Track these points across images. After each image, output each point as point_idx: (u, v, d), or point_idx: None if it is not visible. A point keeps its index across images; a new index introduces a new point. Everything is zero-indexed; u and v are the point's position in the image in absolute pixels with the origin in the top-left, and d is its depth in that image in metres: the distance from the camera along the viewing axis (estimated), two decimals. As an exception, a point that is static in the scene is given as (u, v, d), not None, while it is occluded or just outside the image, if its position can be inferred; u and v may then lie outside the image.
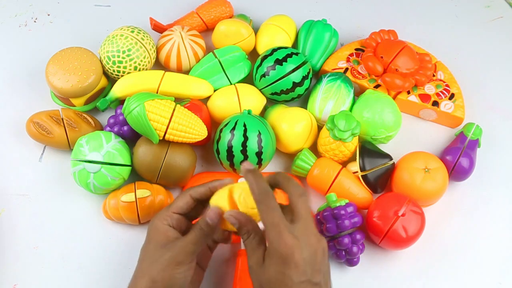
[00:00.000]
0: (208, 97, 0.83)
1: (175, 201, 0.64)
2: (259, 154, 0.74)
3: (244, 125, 0.74)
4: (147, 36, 0.84)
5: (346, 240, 0.71)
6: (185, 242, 0.60)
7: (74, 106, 0.83)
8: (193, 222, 0.66)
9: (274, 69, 0.80)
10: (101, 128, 0.82)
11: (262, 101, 0.82)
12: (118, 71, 0.82)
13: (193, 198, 0.64)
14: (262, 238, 0.58)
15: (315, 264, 0.55)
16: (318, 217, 0.74)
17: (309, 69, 0.82)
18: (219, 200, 0.61)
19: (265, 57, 0.82)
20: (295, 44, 0.90)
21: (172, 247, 0.60)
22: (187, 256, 0.59)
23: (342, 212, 0.71)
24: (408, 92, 0.85)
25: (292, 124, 0.78)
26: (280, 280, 0.54)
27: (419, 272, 0.75)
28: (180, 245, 0.60)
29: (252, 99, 0.81)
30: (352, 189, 0.77)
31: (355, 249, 0.71)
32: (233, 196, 0.60)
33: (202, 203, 0.65)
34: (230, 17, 0.93)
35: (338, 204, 0.72)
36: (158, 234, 0.62)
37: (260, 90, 0.83)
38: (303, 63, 0.81)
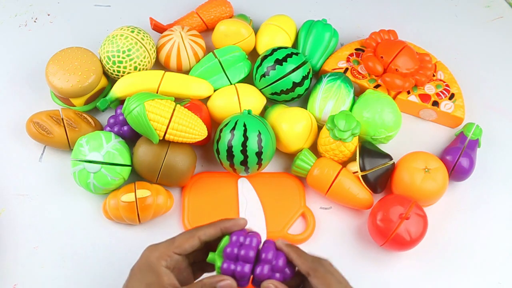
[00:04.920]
0: (208, 97, 0.83)
1: (180, 240, 0.57)
2: (259, 154, 0.74)
3: (244, 125, 0.74)
4: (147, 36, 0.84)
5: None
6: None
7: (74, 106, 0.83)
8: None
9: (274, 69, 0.80)
10: (101, 128, 0.82)
11: (262, 101, 0.82)
12: (118, 71, 0.82)
13: (201, 241, 0.57)
14: None
15: None
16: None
17: (309, 69, 0.82)
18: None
19: (265, 57, 0.82)
20: (295, 44, 0.90)
21: None
22: None
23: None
24: (408, 92, 0.85)
25: (292, 124, 0.78)
26: None
27: (419, 272, 0.75)
28: None
29: (252, 99, 0.81)
30: (352, 189, 0.77)
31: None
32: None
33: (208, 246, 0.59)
34: (230, 17, 0.93)
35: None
36: (151, 274, 0.55)
37: (260, 90, 0.83)
38: (303, 63, 0.81)
